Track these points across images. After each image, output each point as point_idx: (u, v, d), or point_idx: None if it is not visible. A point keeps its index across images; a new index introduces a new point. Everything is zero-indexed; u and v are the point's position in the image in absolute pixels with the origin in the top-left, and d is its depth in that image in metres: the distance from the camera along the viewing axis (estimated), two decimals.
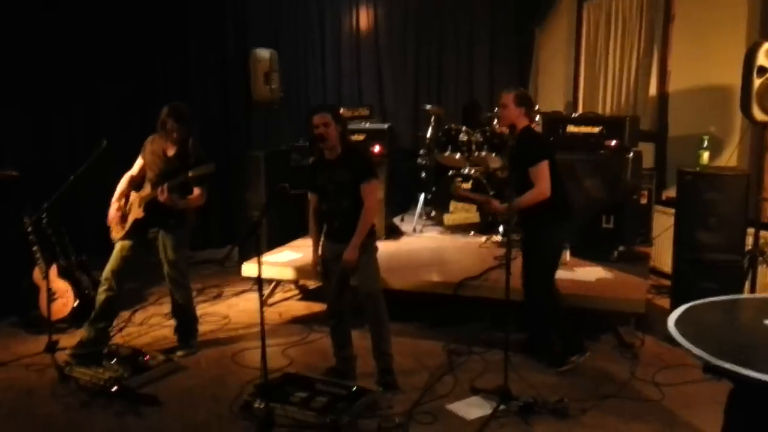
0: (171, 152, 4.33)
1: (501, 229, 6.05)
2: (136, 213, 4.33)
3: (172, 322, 4.73)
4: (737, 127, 5.36)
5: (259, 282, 3.50)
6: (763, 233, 4.83)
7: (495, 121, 6.63)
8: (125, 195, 4.44)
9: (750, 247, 4.71)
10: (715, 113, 5.58)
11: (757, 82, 4.40)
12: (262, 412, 3.47)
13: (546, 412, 3.62)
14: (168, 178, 4.19)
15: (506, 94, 4.20)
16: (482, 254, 5.65)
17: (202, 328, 4.88)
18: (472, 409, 3.69)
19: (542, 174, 3.99)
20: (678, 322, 2.20)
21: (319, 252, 4.08)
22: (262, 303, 3.59)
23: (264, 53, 6.60)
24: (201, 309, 5.38)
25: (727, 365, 1.81)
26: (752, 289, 4.77)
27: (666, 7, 6.17)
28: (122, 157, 4.66)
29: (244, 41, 7.24)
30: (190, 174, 4.13)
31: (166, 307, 4.98)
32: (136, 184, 4.45)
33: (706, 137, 4.67)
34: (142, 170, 4.43)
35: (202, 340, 4.73)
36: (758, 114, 4.46)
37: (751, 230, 4.71)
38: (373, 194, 3.89)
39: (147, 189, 4.31)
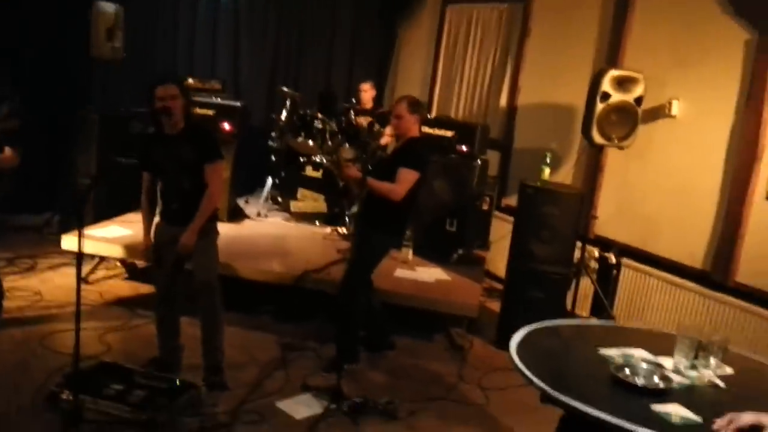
0: None
1: (347, 219, 6.01)
2: None
3: None
4: (575, 146, 5.68)
5: (78, 258, 3.14)
6: (589, 248, 5.18)
7: (351, 113, 6.57)
8: None
9: (577, 260, 5.03)
10: (558, 130, 5.88)
11: (600, 106, 4.68)
12: (70, 405, 3.13)
13: (375, 413, 3.60)
14: None
15: (399, 104, 4.10)
16: (326, 246, 5.55)
17: (9, 303, 4.37)
18: (302, 408, 3.59)
19: (407, 179, 3.95)
20: (519, 348, 2.21)
21: (152, 234, 3.77)
22: (80, 280, 3.22)
23: (108, 7, 6.02)
24: (9, 282, 4.82)
25: (566, 399, 1.84)
26: (574, 299, 5.10)
27: (523, 22, 6.41)
28: None
29: None
30: None
31: None
32: None
33: (548, 154, 4.89)
34: None
35: (7, 318, 4.22)
36: (597, 137, 4.75)
37: (579, 244, 5.02)
38: (219, 176, 3.64)
39: None
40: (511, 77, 6.54)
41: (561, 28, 6.02)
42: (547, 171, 4.87)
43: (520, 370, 2.05)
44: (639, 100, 4.71)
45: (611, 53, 5.41)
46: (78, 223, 3.40)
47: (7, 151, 3.84)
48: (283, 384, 3.83)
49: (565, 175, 5.65)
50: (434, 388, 4.04)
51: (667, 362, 2.29)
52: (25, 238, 5.93)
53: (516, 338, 2.31)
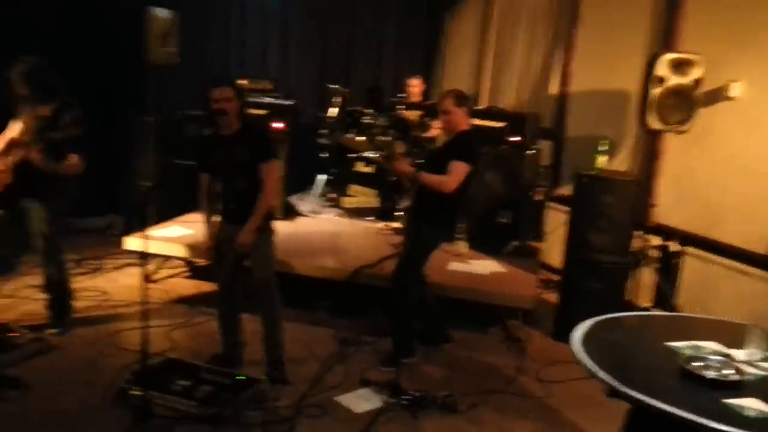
0: (45, 113, 3.96)
1: (399, 213, 6.03)
2: (4, 179, 3.93)
3: (44, 296, 4.35)
4: (631, 132, 5.55)
5: (143, 258, 3.26)
6: (648, 236, 5.06)
7: (401, 107, 6.58)
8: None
9: (636, 250, 4.92)
10: (611, 117, 5.75)
11: (656, 91, 4.55)
12: (139, 401, 3.25)
13: (434, 407, 3.61)
14: (40, 140, 3.85)
15: (445, 99, 4.09)
16: (379, 241, 5.59)
17: (78, 304, 4.54)
18: (362, 402, 3.63)
19: (458, 172, 3.93)
20: (583, 341, 2.19)
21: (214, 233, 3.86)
22: (146, 280, 3.34)
23: (162, 13, 6.16)
24: (78, 283, 4.99)
25: (634, 393, 1.82)
26: (634, 289, 5.00)
27: (573, 9, 6.29)
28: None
29: None
30: (55, 134, 3.82)
31: (39, 278, 4.58)
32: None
33: (604, 141, 4.80)
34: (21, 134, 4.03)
35: (77, 318, 4.40)
36: (653, 122, 4.63)
37: (638, 233, 4.91)
38: (274, 175, 3.70)
39: (19, 152, 3.91)
40: (562, 65, 6.44)
41: (612, 14, 5.89)
42: (602, 159, 4.78)
43: (584, 364, 2.03)
44: (697, 83, 4.57)
45: (666, 36, 5.26)
46: (141, 224, 3.53)
47: (72, 157, 3.99)
48: (343, 378, 3.88)
49: (621, 162, 5.53)
50: (492, 381, 4.03)
51: (738, 354, 2.23)
52: (90, 241, 6.14)
53: (578, 331, 2.28)
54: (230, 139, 3.65)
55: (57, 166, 3.95)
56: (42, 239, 4.09)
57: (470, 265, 5.02)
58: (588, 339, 2.28)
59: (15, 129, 4.06)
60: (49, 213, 4.08)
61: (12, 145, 4.01)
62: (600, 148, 4.76)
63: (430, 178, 3.98)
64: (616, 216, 4.58)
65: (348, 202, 6.39)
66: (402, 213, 5.96)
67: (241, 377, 3.59)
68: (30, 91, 3.94)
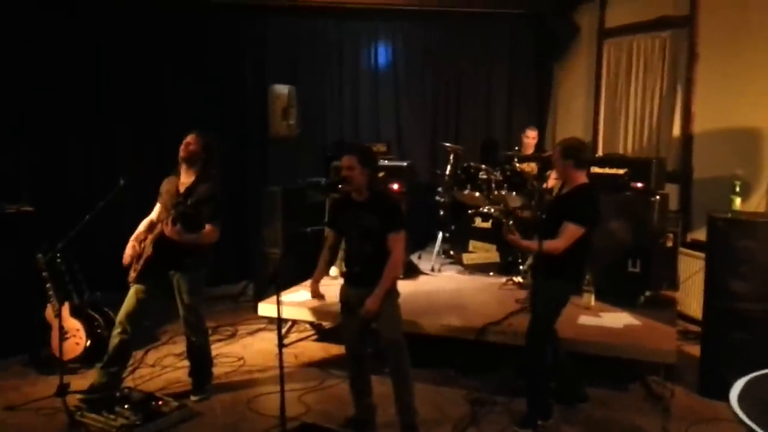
0: (183, 189, 4.26)
1: (522, 267, 5.94)
2: (146, 252, 4.23)
3: (186, 363, 4.60)
4: (765, 171, 5.24)
5: (279, 325, 3.38)
6: None
7: (515, 160, 6.56)
8: (142, 238, 4.34)
9: None
10: (742, 155, 5.46)
11: None
12: None
13: None
14: (173, 214, 4.11)
15: (554, 151, 4.01)
16: (503, 296, 5.51)
17: (217, 370, 4.75)
18: None
19: (569, 235, 3.80)
20: (741, 400, 2.05)
21: (337, 295, 3.97)
22: (282, 346, 3.45)
23: (282, 89, 6.56)
24: (215, 349, 5.22)
25: None
26: None
27: (690, 47, 6.10)
28: (138, 193, 4.60)
29: (262, 76, 7.23)
30: (188, 202, 4.05)
31: (179, 347, 4.87)
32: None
33: (738, 182, 4.55)
34: (161, 214, 4.36)
35: (217, 383, 4.60)
36: None
37: None
38: (401, 245, 3.76)
39: (158, 228, 4.22)
40: (683, 105, 6.21)
41: (733, 49, 5.67)
42: (737, 200, 4.52)
43: (747, 426, 1.89)
44: None
45: None
46: (276, 291, 3.68)
47: (207, 227, 4.24)
48: None
49: (758, 202, 5.20)
50: None
51: None
52: (224, 307, 6.48)
53: (736, 388, 2.13)
54: (360, 205, 3.77)
55: (193, 236, 4.17)
56: (187, 309, 4.33)
57: (601, 318, 4.83)
58: (746, 397, 2.12)
59: (156, 211, 4.39)
60: (193, 283, 4.33)
61: (153, 224, 4.34)
62: (734, 189, 4.51)
63: (537, 246, 3.86)
64: (760, 261, 4.28)
65: (468, 258, 6.37)
66: (525, 268, 5.87)
67: None
68: (207, 157, 4.28)
